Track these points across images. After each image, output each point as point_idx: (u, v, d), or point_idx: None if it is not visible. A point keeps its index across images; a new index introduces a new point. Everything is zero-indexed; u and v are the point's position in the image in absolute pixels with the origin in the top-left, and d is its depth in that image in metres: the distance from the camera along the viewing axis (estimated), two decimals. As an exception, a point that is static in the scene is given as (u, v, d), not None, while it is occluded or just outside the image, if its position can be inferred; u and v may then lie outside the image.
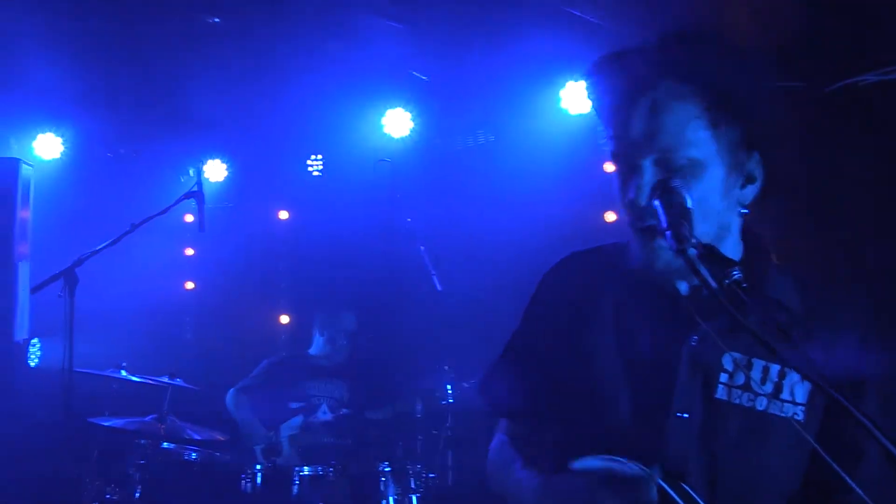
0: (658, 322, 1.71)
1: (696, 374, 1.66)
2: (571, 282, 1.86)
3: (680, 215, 1.55)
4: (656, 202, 1.57)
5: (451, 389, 4.79)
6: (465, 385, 4.78)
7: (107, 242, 4.26)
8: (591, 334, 1.76)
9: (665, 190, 1.58)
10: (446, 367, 4.81)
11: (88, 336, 4.26)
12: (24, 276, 5.49)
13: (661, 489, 1.55)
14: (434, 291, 4.82)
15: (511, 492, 1.81)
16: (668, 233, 1.53)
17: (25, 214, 5.70)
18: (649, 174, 1.62)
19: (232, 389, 5.31)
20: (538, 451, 1.82)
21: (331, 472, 4.43)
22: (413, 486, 4.46)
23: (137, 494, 4.37)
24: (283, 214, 6.95)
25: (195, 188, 4.61)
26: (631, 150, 1.64)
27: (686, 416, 1.65)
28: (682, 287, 1.73)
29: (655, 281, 1.71)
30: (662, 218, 1.55)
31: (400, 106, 6.28)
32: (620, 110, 1.65)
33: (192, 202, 4.58)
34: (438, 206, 5.60)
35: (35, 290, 3.97)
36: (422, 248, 4.86)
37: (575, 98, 5.89)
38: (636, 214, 1.63)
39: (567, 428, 1.79)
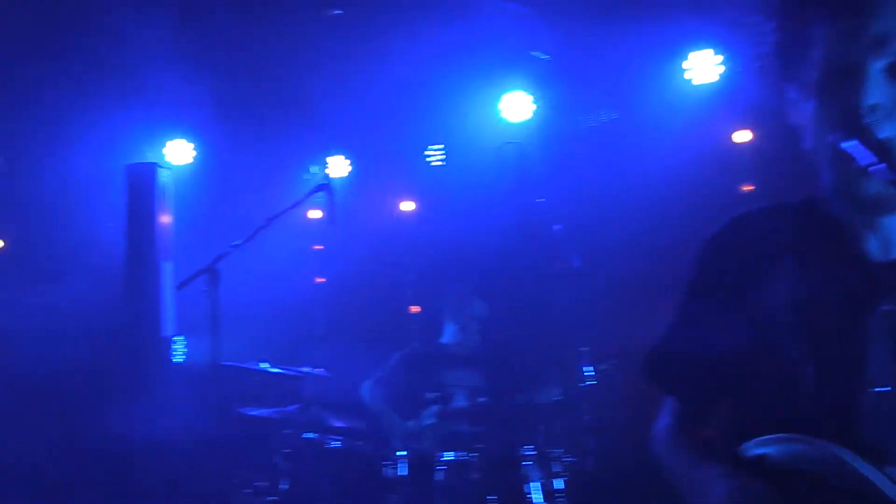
0: (846, 286, 1.55)
1: (892, 345, 1.50)
2: (742, 245, 1.69)
3: (884, 148, 1.42)
4: (851, 141, 1.44)
5: (589, 371, 4.68)
6: (604, 367, 4.66)
7: (244, 238, 4.36)
8: (767, 302, 1.61)
9: (859, 126, 1.45)
10: (584, 349, 4.70)
11: (228, 330, 4.37)
12: (167, 275, 5.75)
13: (860, 472, 1.41)
14: (568, 272, 4.72)
15: (687, 480, 1.70)
16: (878, 166, 1.40)
17: (165, 216, 5.96)
18: (876, 80, 1.47)
19: (368, 381, 5.36)
20: (712, 431, 1.71)
21: (474, 457, 4.41)
22: (557, 470, 4.39)
23: (284, 482, 4.46)
24: (408, 205, 7.00)
25: (325, 181, 4.68)
26: (857, 52, 1.48)
27: (885, 390, 1.49)
28: (874, 245, 1.59)
29: (843, 238, 1.58)
30: (864, 154, 1.42)
31: (517, 89, 6.23)
32: (849, 8, 1.50)
33: (319, 198, 4.65)
34: (568, 185, 5.51)
35: (181, 285, 4.10)
36: (556, 227, 4.76)
37: (699, 68, 5.73)
38: (838, 133, 1.47)
39: (744, 406, 1.66)
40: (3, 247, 6.68)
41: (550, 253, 4.91)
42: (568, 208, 5.07)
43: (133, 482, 5.02)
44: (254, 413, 4.46)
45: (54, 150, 6.32)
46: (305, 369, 4.61)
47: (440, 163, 6.76)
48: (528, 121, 6.22)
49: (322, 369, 4.65)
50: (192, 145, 6.71)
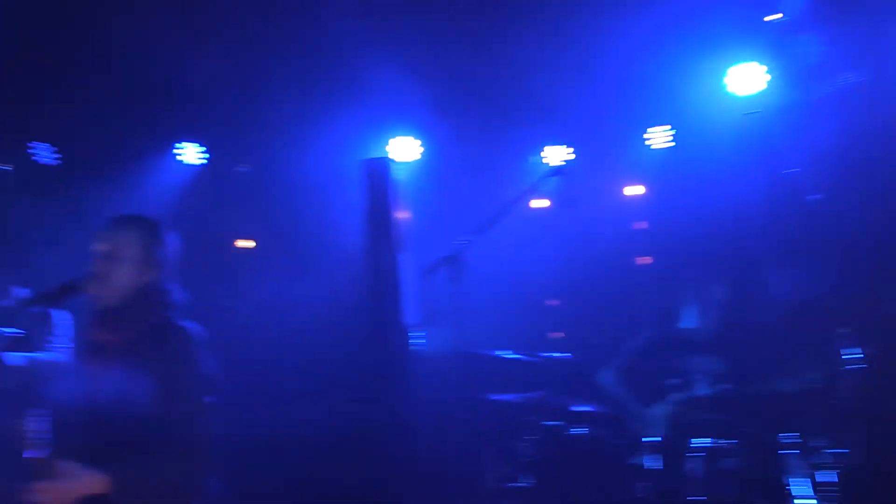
0: None
1: None
2: None
3: None
4: None
5: (851, 356, 4.32)
6: (870, 349, 4.28)
7: (481, 227, 4.40)
8: None
9: None
10: (844, 330, 4.35)
11: (471, 318, 4.41)
12: (407, 266, 5.94)
13: None
14: (829, 246, 4.38)
15: None
16: None
17: (401, 208, 6.17)
18: None
19: (607, 367, 5.26)
20: None
21: (724, 446, 4.21)
22: (821, 462, 4.09)
23: (529, 468, 4.46)
24: (636, 190, 6.83)
25: (555, 168, 4.66)
26: None
27: None
28: None
29: None
30: None
31: (747, 60, 5.89)
32: None
33: (546, 187, 4.63)
34: (819, 155, 5.12)
35: (425, 273, 4.19)
36: (812, 197, 4.44)
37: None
38: None
39: None
40: (254, 247, 7.17)
41: (804, 226, 4.59)
42: (824, 178, 4.71)
43: (380, 468, 5.21)
44: (498, 398, 4.49)
45: (292, 153, 6.69)
46: (548, 355, 4.59)
47: (667, 144, 6.55)
48: (761, 93, 5.87)
49: (567, 354, 4.61)
50: (418, 142, 6.88)
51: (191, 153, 7.09)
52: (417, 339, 5.74)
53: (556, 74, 6.23)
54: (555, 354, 4.63)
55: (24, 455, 2.73)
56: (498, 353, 4.69)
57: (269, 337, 6.11)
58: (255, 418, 5.52)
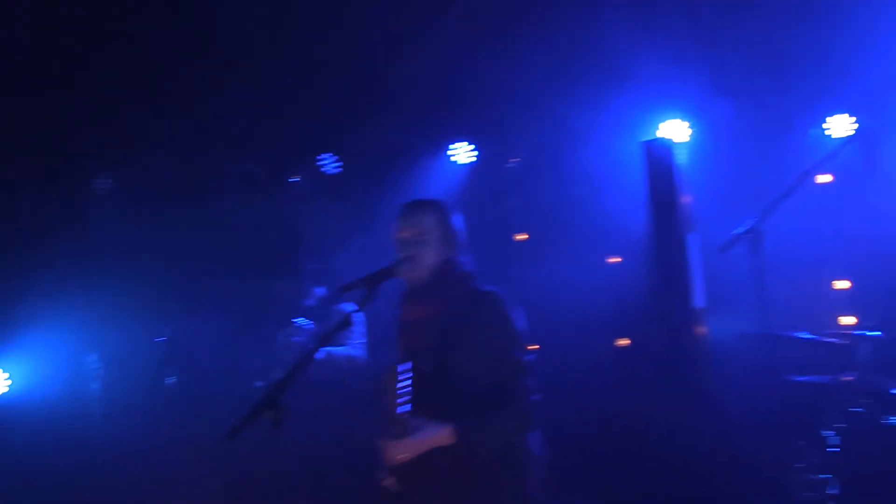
0: None
1: None
2: None
3: None
4: None
5: None
6: None
7: (772, 204, 4.22)
8: None
9: None
10: None
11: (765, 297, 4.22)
12: (693, 248, 5.80)
13: None
14: None
15: None
16: None
17: (684, 188, 6.04)
18: None
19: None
20: None
21: None
22: None
23: (836, 459, 4.17)
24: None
25: (849, 137, 4.37)
26: None
27: None
28: None
29: None
30: None
31: None
32: None
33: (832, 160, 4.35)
34: None
35: (722, 249, 4.08)
36: None
37: None
38: None
39: None
40: (530, 238, 7.28)
41: None
42: None
43: (677, 455, 5.10)
44: (801, 379, 4.24)
45: (561, 142, 6.73)
46: (859, 333, 4.27)
47: None
48: None
49: (878, 332, 4.26)
50: (686, 123, 6.68)
51: (462, 153, 7.34)
52: (708, 322, 5.57)
53: (835, 36, 5.81)
54: (868, 332, 4.27)
55: (386, 412, 3.00)
56: (798, 333, 4.42)
57: (556, 328, 6.15)
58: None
